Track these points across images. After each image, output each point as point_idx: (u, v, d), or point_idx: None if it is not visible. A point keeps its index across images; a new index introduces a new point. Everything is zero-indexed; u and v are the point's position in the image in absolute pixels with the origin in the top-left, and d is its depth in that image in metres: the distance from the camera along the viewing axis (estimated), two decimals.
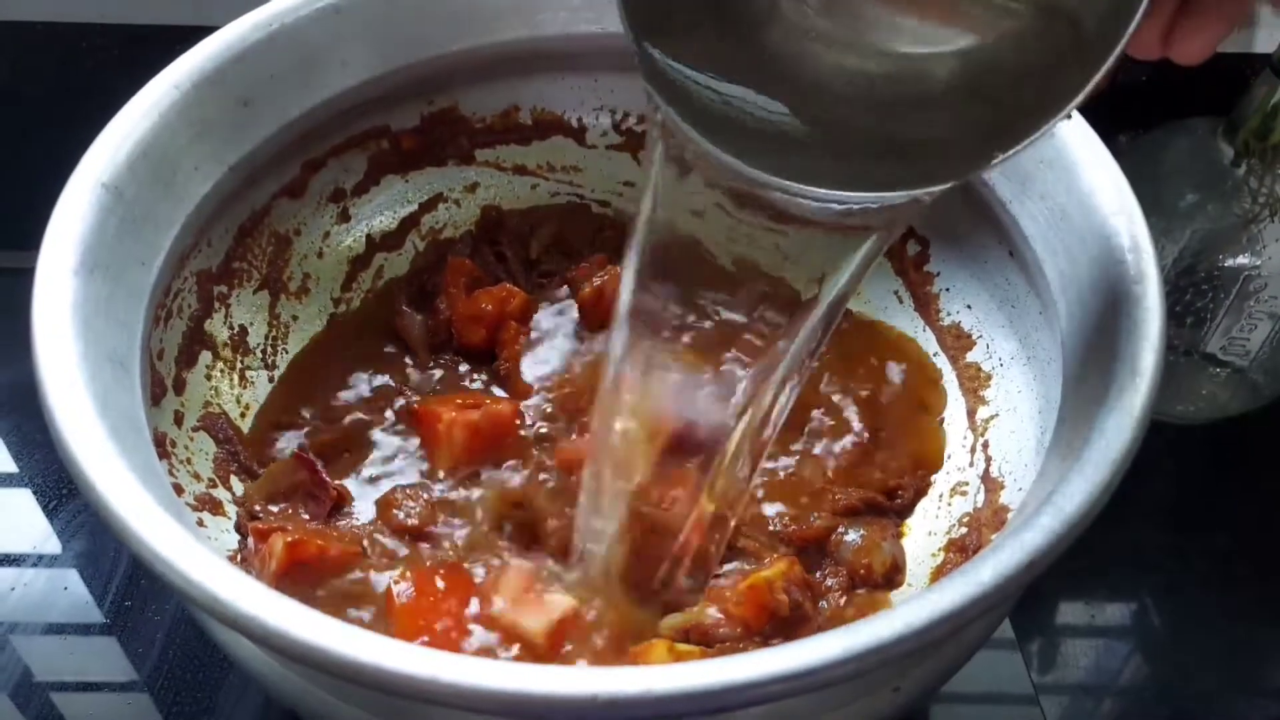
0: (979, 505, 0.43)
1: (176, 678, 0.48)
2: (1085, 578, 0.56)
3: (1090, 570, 0.56)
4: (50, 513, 0.54)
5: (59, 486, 0.55)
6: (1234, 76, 0.64)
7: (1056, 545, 0.30)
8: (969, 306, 0.49)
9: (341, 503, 0.43)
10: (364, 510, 0.43)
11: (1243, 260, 0.57)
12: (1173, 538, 0.59)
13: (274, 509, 0.42)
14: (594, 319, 0.50)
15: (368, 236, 0.52)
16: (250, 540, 0.40)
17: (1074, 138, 0.42)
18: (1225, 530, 0.59)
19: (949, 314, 0.49)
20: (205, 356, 0.46)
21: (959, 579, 0.30)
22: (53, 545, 0.53)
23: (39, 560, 0.52)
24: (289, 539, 0.39)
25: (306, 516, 0.42)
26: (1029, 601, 0.52)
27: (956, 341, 0.48)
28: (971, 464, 0.45)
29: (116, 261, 0.39)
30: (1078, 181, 0.41)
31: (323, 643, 0.28)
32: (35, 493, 0.55)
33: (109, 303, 0.37)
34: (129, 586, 0.51)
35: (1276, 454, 0.62)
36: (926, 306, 0.50)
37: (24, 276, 0.64)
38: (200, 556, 0.29)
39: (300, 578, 0.39)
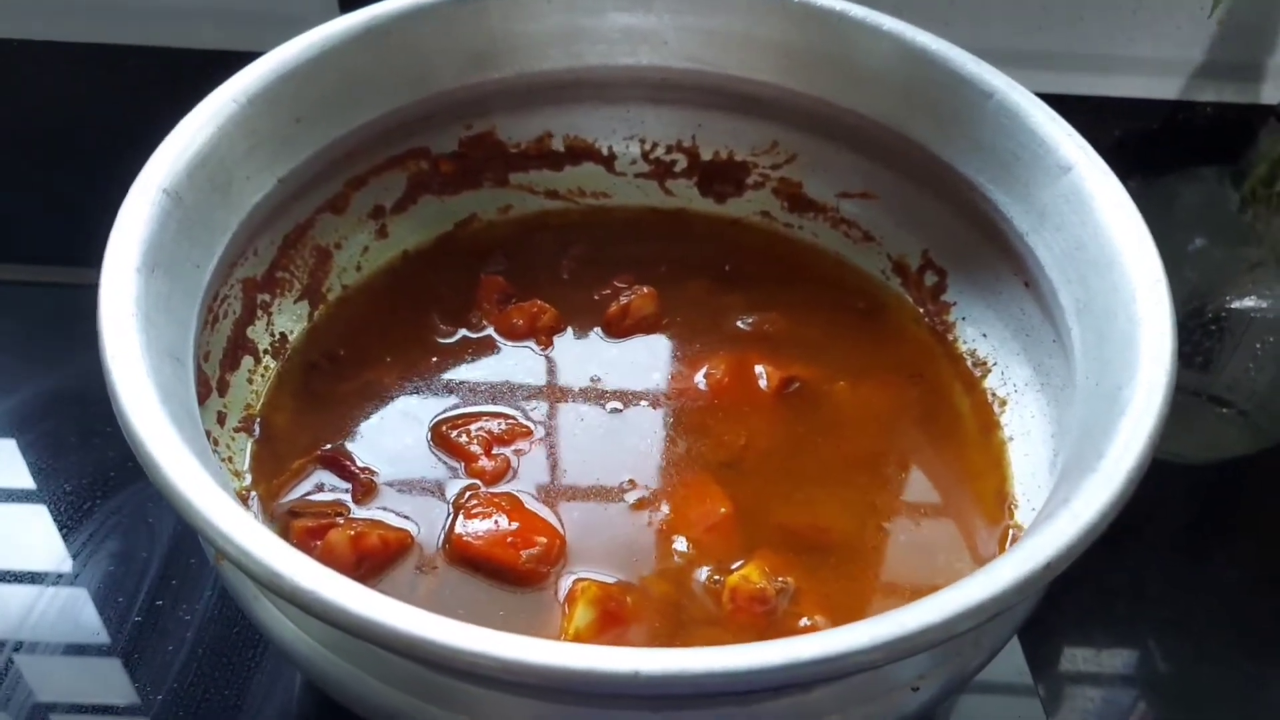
0: None
1: (193, 702, 0.49)
2: (1092, 616, 0.57)
3: (1097, 608, 0.57)
4: (67, 531, 0.55)
5: (80, 503, 0.56)
6: (1241, 127, 0.66)
7: (1075, 548, 0.32)
8: (984, 335, 0.50)
9: (371, 489, 0.44)
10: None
11: (1249, 303, 0.59)
12: (1180, 576, 0.60)
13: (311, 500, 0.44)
14: (618, 334, 0.51)
15: (404, 253, 0.54)
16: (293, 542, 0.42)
17: (1091, 174, 0.43)
18: (1233, 568, 0.60)
19: (965, 341, 0.51)
20: (247, 361, 0.47)
21: (981, 577, 0.31)
22: (69, 565, 0.54)
23: (59, 579, 0.53)
24: (351, 532, 0.41)
25: (349, 502, 0.43)
26: (1039, 641, 0.53)
27: (973, 369, 0.50)
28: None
29: (174, 263, 0.40)
30: (1094, 214, 0.42)
31: (377, 616, 0.29)
32: (52, 510, 0.56)
33: (168, 301, 0.39)
34: (148, 608, 0.52)
35: (1277, 497, 0.63)
36: (944, 335, 0.52)
37: (39, 290, 0.66)
38: (261, 534, 0.31)
39: (368, 572, 0.40)
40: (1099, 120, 0.66)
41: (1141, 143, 0.67)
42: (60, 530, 0.55)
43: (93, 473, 0.57)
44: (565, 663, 0.28)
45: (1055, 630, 0.56)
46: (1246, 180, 0.60)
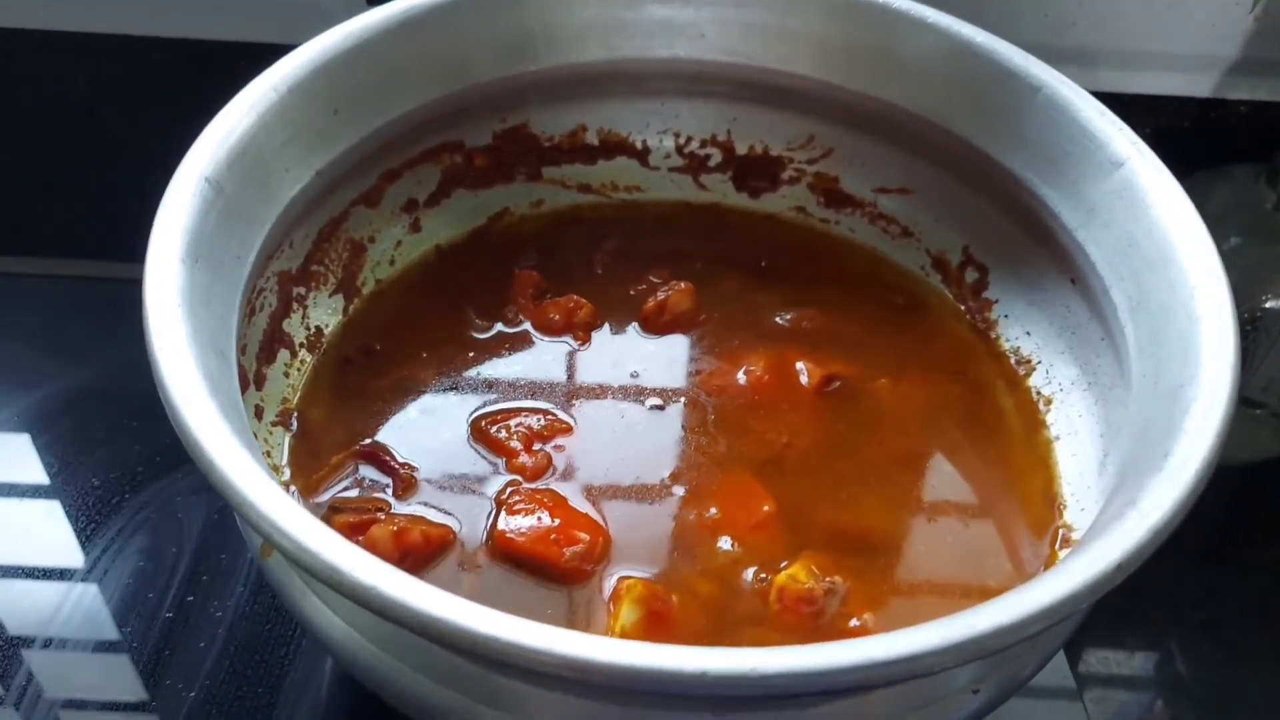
0: None
1: (225, 700, 0.48)
2: (1122, 619, 0.57)
3: (1128, 611, 0.57)
4: (94, 528, 0.54)
5: (107, 498, 0.55)
6: (1276, 125, 0.66)
7: (1144, 549, 0.31)
8: (1028, 333, 0.50)
9: (412, 485, 0.44)
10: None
11: None
12: (1211, 579, 0.59)
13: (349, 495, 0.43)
14: (655, 329, 0.51)
15: (437, 247, 0.53)
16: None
17: (1144, 169, 0.43)
18: (1262, 571, 0.60)
19: (1008, 339, 0.50)
20: (283, 354, 0.47)
21: (1051, 579, 0.30)
22: (96, 561, 0.53)
23: (86, 575, 0.52)
24: (393, 528, 0.40)
25: (389, 498, 0.43)
26: (1070, 643, 0.53)
27: (1017, 367, 0.50)
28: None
29: (216, 253, 0.40)
30: (1148, 210, 0.42)
31: (439, 612, 0.28)
32: (79, 506, 0.55)
33: (209, 293, 0.38)
34: (178, 605, 0.51)
35: None
36: (985, 332, 0.51)
37: (60, 284, 0.65)
38: (318, 528, 0.30)
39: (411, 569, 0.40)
40: (1131, 117, 0.66)
41: (1174, 140, 0.66)
42: (87, 526, 0.54)
43: (120, 468, 0.56)
44: (631, 661, 0.28)
45: (1086, 632, 0.56)
46: None
